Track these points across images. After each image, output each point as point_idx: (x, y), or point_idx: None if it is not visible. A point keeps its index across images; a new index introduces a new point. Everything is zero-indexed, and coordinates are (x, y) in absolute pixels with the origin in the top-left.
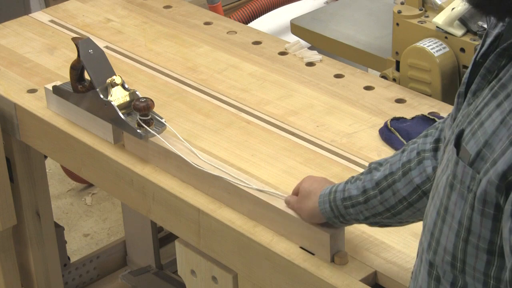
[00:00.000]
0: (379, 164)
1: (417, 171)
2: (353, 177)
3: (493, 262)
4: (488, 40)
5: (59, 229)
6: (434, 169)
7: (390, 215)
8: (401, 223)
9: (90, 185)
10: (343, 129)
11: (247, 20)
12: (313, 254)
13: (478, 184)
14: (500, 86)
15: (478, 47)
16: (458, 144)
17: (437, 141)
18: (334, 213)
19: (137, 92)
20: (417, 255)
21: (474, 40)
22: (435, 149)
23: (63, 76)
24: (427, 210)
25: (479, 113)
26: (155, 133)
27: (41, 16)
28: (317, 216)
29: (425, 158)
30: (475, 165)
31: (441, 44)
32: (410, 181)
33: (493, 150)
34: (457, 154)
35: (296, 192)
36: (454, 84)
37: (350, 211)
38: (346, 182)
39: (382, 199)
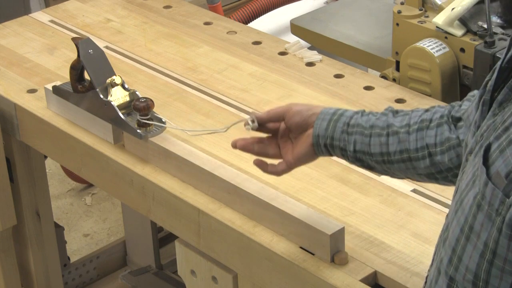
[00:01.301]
0: (397, 112)
1: (434, 131)
2: (364, 111)
3: None
4: None
5: (59, 229)
6: (450, 139)
7: (381, 160)
8: (385, 172)
9: (90, 185)
10: None
11: (247, 20)
12: (313, 254)
13: (507, 209)
14: None
15: (504, 52)
16: (486, 161)
17: (458, 119)
18: (326, 133)
19: (137, 92)
20: (432, 262)
21: (474, 40)
22: (455, 125)
23: (63, 76)
24: (449, 223)
25: (508, 129)
26: (155, 133)
27: (41, 16)
28: (305, 117)
29: (446, 123)
30: (505, 188)
31: (441, 44)
32: (422, 137)
33: None
34: (486, 174)
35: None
36: (454, 84)
37: (344, 138)
38: (356, 113)
39: (385, 142)
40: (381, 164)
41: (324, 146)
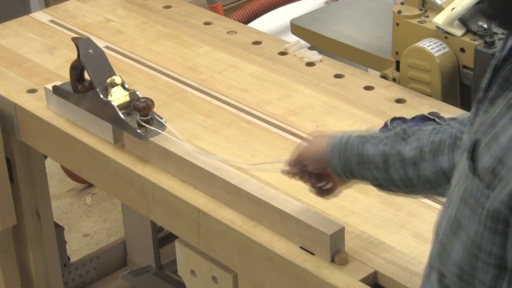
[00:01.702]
0: (405, 132)
1: (446, 157)
2: (369, 133)
3: (503, 277)
4: (509, 44)
5: (59, 229)
6: None
7: (404, 187)
8: (411, 194)
9: (90, 185)
10: (343, 129)
11: (247, 20)
12: (313, 254)
13: (491, 202)
14: None
15: (498, 51)
16: (472, 156)
17: None
18: (344, 169)
19: (137, 92)
20: (428, 258)
21: (474, 40)
22: None
23: (63, 76)
24: (441, 218)
25: (494, 124)
26: (155, 133)
27: (41, 16)
28: (323, 161)
29: (457, 146)
30: (489, 182)
31: (441, 44)
32: (437, 162)
33: (506, 168)
34: (472, 169)
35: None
36: (454, 84)
37: (362, 171)
38: (362, 139)
39: (403, 172)
40: (405, 190)
41: (348, 178)
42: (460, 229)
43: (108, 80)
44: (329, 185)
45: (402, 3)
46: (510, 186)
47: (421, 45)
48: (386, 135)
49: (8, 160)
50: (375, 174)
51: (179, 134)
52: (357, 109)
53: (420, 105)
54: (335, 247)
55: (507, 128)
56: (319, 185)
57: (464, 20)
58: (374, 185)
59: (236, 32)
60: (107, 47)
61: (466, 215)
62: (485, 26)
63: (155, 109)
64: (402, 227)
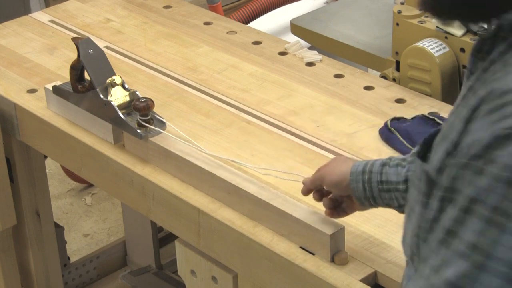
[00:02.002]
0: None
1: None
2: (390, 159)
3: None
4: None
5: (59, 229)
6: None
7: None
8: None
9: (90, 185)
10: (343, 129)
11: (247, 20)
12: (313, 254)
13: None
14: (469, 89)
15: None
16: (427, 143)
17: None
18: (366, 194)
19: (137, 92)
20: None
21: (474, 40)
22: None
23: (63, 76)
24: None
25: (452, 113)
26: (155, 133)
27: (41, 16)
28: (343, 186)
29: None
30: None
31: (441, 44)
32: None
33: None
34: (418, 153)
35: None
36: (454, 84)
37: (385, 196)
38: (383, 164)
39: None
40: None
41: (371, 205)
42: (410, 211)
43: (108, 80)
44: (344, 206)
45: (402, 3)
46: (434, 163)
47: (421, 45)
48: (404, 157)
49: (8, 160)
50: (398, 198)
51: (182, 134)
52: (357, 109)
53: (420, 105)
54: (335, 247)
55: (453, 114)
56: (335, 206)
57: None
58: (397, 210)
59: (236, 32)
60: (107, 47)
61: (413, 197)
62: (485, 26)
63: (155, 109)
64: (402, 227)
